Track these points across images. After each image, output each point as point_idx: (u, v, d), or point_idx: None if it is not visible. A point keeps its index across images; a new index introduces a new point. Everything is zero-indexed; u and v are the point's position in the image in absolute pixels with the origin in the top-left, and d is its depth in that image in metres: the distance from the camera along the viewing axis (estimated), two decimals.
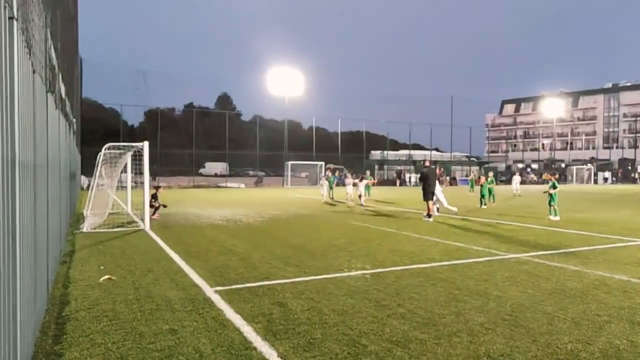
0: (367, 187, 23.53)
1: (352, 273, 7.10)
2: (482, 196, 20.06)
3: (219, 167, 52.84)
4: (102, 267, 7.44)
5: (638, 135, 79.43)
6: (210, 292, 6.00)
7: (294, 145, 48.85)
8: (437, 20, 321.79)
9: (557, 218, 14.71)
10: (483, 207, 19.44)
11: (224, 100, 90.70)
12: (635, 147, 75.82)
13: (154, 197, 14.49)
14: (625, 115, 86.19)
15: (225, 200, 22.83)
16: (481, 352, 4.11)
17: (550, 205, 15.09)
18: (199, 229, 12.47)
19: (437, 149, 66.00)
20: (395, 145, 64.10)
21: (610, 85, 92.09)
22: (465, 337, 4.44)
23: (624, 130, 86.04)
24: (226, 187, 40.25)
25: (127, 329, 4.63)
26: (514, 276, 6.91)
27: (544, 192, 15.83)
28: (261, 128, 51.19)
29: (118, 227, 12.25)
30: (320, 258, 8.28)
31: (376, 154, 55.42)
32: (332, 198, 23.77)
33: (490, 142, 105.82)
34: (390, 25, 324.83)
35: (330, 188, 24.44)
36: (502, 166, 77.24)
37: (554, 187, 15.25)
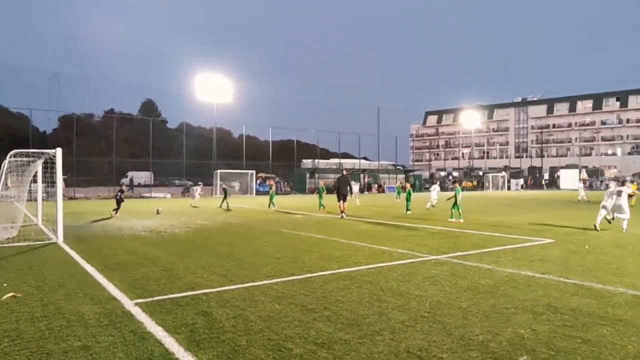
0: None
1: (280, 279, 7.09)
2: (408, 200, 21.08)
3: (143, 176, 50.47)
4: (5, 285, 6.81)
5: (544, 145, 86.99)
6: (129, 305, 5.72)
7: (223, 153, 47.96)
8: (364, 32, 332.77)
9: (461, 220, 16.02)
10: (408, 212, 20.28)
11: (149, 107, 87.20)
12: (542, 156, 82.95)
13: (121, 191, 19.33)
14: (532, 127, 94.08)
15: (149, 210, 21.86)
16: (402, 348, 4.27)
17: (452, 209, 16.51)
18: (119, 240, 11.83)
19: (365, 158, 67.96)
20: (326, 154, 65.20)
21: (520, 99, 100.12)
22: (387, 335, 4.60)
23: (532, 141, 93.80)
24: (150, 197, 38.54)
25: (32, 349, 4.28)
26: (434, 276, 7.27)
27: (448, 200, 17.42)
28: (189, 136, 49.78)
29: (24, 240, 11.27)
30: (248, 266, 8.18)
31: (307, 163, 55.90)
32: (274, 207, 23.55)
33: (415, 151, 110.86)
34: (317, 34, 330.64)
35: (272, 197, 24.20)
36: (426, 174, 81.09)
37: (458, 192, 16.80)
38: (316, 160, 55.59)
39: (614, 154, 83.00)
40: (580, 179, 51.48)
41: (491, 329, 4.77)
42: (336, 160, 57.08)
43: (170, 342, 4.41)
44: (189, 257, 9.17)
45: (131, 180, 46.52)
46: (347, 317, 5.20)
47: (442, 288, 6.49)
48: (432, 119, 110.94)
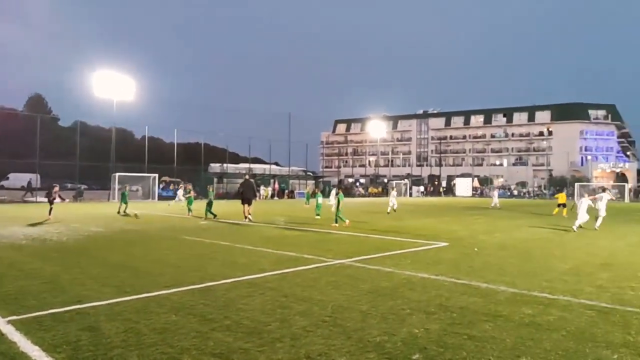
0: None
1: (179, 289, 6.74)
2: (317, 207, 21.56)
3: (27, 178, 45.47)
4: None
5: (442, 155, 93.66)
6: (1, 323, 5.06)
7: (123, 155, 44.93)
8: (277, 39, 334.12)
9: (341, 224, 16.85)
10: (317, 217, 20.69)
11: (37, 102, 79.13)
12: (440, 165, 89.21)
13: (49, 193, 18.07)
14: (433, 138, 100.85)
15: (32, 216, 19.75)
16: (301, 354, 4.25)
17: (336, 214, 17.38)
18: None
19: (276, 163, 67.92)
20: (236, 159, 64.04)
21: (421, 111, 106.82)
22: (287, 342, 4.55)
23: (432, 151, 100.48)
24: (36, 201, 34.87)
25: None
26: (337, 280, 7.40)
27: (333, 210, 18.33)
28: (84, 135, 45.93)
29: None
30: (144, 276, 7.69)
31: (215, 167, 54.43)
32: (190, 213, 22.34)
33: (325, 158, 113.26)
34: (229, 35, 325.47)
35: (190, 203, 22.90)
36: (335, 180, 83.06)
37: (341, 198, 17.72)
38: (225, 165, 54.35)
39: (501, 165, 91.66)
40: (495, 187, 56.22)
41: (388, 330, 4.94)
42: (246, 165, 56.29)
43: None
44: (77, 267, 8.39)
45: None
46: (248, 325, 5.07)
47: (344, 292, 6.62)
48: (342, 127, 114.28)
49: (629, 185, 60.07)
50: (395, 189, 30.62)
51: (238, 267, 8.50)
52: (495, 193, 37.96)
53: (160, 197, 41.27)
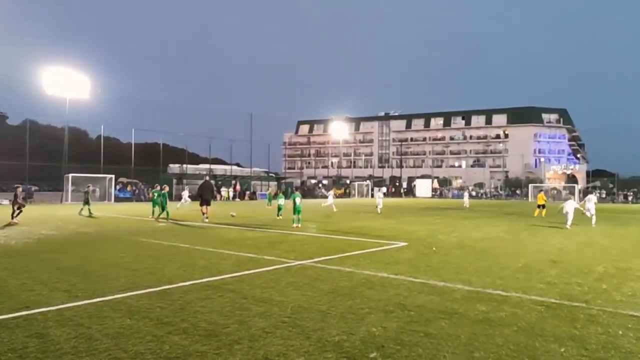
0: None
1: (134, 293, 6.55)
2: (279, 208, 21.45)
3: None
4: None
5: (403, 157, 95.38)
6: None
7: (77, 155, 43.16)
8: (239, 38, 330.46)
9: (299, 225, 16.89)
10: (279, 217, 20.68)
11: None
12: (401, 166, 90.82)
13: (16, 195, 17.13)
14: (394, 140, 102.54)
15: None
16: (260, 355, 4.22)
17: (293, 215, 17.42)
18: None
19: (238, 164, 67.18)
20: (196, 159, 62.87)
21: (383, 113, 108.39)
22: (246, 344, 4.51)
23: (393, 152, 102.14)
24: None
25: None
26: (297, 281, 7.39)
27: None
28: (34, 135, 43.81)
29: None
30: (98, 280, 7.42)
31: (175, 168, 53.26)
32: (160, 215, 21.44)
33: (288, 159, 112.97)
34: (190, 34, 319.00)
35: (156, 205, 22.02)
36: (297, 182, 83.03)
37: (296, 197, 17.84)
38: (184, 165, 53.26)
39: (460, 166, 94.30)
40: (466, 189, 57.56)
41: (347, 329, 4.97)
42: (206, 166, 55.37)
43: None
44: (26, 272, 8.01)
45: None
46: (206, 328, 4.99)
47: (304, 292, 6.62)
48: (304, 128, 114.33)
49: (579, 186, 63.08)
50: (381, 190, 32.14)
51: (196, 270, 8.34)
52: (466, 194, 39.21)
53: (117, 199, 39.97)
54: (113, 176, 40.06)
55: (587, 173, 79.18)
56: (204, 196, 19.89)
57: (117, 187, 42.06)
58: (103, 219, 20.97)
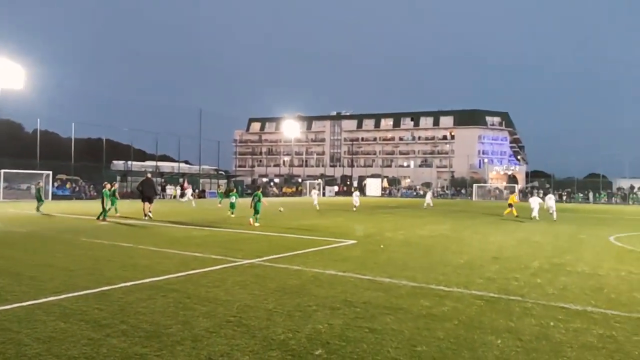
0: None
1: (70, 294, 6.21)
2: (231, 206, 21.15)
3: None
4: None
5: (354, 156, 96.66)
6: None
7: (11, 150, 40.49)
8: (188, 33, 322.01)
9: (257, 224, 16.61)
10: (231, 215, 20.40)
11: None
12: (352, 166, 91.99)
13: None
14: (345, 140, 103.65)
15: None
16: (203, 355, 4.11)
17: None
18: None
19: (186, 162, 65.47)
20: (142, 156, 60.64)
21: (335, 113, 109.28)
22: (188, 344, 4.38)
23: (345, 152, 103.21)
24: None
25: None
26: (244, 280, 7.28)
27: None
28: None
29: None
30: (29, 282, 6.97)
31: (119, 164, 51.16)
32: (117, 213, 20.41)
33: (239, 157, 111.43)
34: (137, 26, 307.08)
35: (104, 202, 20.73)
36: (248, 180, 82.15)
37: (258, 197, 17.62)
38: (129, 162, 51.22)
39: (409, 166, 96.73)
40: (430, 189, 58.66)
41: (293, 327, 4.95)
42: (153, 163, 53.53)
43: None
44: None
45: None
46: (147, 329, 4.80)
47: (251, 291, 6.54)
48: (256, 126, 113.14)
49: (519, 186, 66.49)
50: (357, 189, 33.70)
51: (139, 270, 8.04)
52: (429, 194, 40.15)
53: (55, 196, 37.88)
54: (50, 172, 37.87)
55: (527, 174, 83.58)
56: (145, 193, 19.76)
57: (56, 184, 39.85)
58: (38, 217, 19.80)
